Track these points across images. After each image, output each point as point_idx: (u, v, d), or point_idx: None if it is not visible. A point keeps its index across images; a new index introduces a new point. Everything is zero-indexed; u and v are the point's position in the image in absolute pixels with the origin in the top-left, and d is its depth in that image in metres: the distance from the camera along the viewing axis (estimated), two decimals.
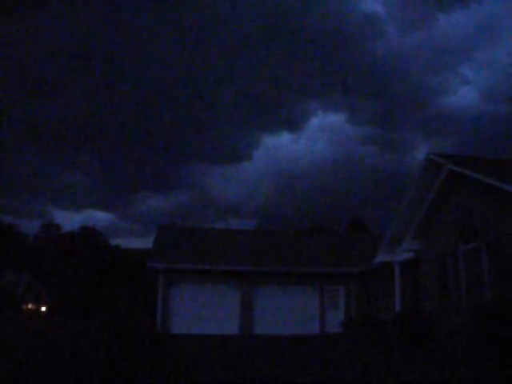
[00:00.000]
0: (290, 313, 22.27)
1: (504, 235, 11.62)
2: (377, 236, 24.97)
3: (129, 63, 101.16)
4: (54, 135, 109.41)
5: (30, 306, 62.46)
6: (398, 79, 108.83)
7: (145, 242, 66.96)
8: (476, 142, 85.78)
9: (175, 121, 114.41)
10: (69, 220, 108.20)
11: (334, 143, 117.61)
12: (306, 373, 9.29)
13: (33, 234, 79.52)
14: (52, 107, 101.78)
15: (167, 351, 13.19)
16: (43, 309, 63.53)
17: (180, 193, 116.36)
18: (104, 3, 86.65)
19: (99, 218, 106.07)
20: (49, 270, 65.83)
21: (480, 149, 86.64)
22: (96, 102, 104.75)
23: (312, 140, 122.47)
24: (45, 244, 75.01)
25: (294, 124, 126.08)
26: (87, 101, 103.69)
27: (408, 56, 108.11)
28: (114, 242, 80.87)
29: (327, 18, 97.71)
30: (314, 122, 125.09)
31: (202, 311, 21.70)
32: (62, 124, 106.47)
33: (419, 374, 8.51)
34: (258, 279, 22.64)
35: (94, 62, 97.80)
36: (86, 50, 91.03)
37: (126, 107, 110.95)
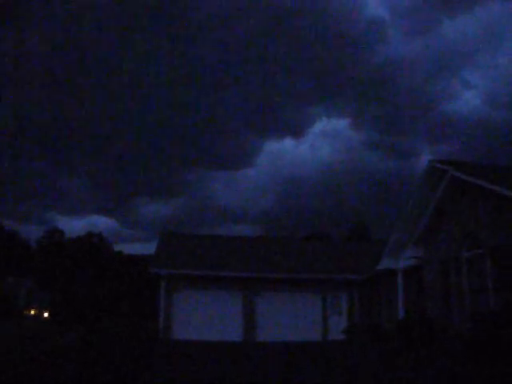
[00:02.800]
0: (293, 320, 22.17)
1: (508, 242, 11.57)
2: (380, 242, 24.85)
3: (130, 68, 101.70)
4: (57, 141, 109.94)
5: (32, 311, 62.45)
6: (401, 84, 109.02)
7: (147, 248, 66.87)
8: (480, 147, 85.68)
9: (178, 127, 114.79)
10: (71, 226, 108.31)
11: (338, 149, 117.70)
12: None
13: (35, 240, 79.61)
14: (53, 112, 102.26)
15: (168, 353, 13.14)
16: (45, 314, 63.47)
17: (183, 199, 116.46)
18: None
19: (102, 223, 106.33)
20: (51, 275, 65.82)
21: (483, 154, 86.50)
22: (100, 110, 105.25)
23: (315, 145, 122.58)
24: (48, 250, 75.06)
25: (297, 129, 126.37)
26: (91, 107, 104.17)
27: (411, 61, 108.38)
28: (116, 247, 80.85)
29: (331, 23, 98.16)
30: (318, 127, 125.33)
31: (204, 317, 21.60)
32: (64, 130, 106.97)
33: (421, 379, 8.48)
34: (260, 286, 22.57)
35: (97, 67, 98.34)
36: (88, 53, 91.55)
37: (131, 114, 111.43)
